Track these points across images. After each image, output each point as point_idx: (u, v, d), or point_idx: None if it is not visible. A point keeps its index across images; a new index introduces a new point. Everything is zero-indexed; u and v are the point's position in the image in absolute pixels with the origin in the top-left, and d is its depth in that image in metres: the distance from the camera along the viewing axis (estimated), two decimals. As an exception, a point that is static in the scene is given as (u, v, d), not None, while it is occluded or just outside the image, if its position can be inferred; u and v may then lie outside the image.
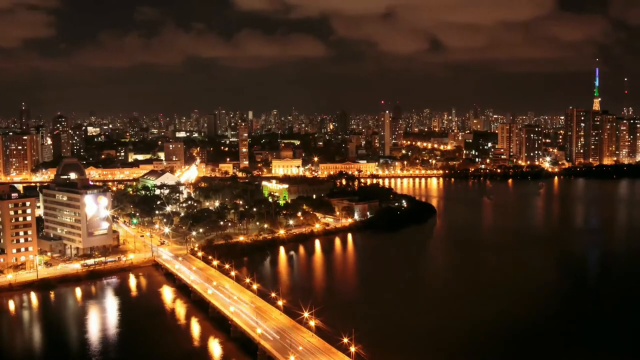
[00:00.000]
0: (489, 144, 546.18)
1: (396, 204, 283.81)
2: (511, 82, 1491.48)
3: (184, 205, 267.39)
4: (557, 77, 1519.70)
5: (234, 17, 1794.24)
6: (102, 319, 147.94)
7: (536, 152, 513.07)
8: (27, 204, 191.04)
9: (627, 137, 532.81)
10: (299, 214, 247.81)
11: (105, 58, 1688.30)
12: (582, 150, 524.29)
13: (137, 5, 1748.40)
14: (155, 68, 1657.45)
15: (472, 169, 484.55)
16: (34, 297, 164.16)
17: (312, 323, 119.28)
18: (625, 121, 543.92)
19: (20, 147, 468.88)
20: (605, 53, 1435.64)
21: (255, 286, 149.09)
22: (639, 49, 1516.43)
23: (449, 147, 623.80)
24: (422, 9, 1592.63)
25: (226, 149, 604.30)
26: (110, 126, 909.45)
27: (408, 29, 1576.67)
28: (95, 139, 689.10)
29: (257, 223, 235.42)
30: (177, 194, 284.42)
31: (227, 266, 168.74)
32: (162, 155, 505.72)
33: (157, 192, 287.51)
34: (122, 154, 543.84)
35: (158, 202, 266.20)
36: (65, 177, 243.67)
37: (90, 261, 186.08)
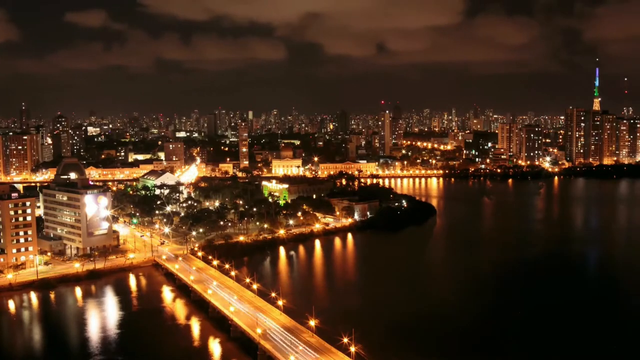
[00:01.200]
0: (489, 144, 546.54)
1: (396, 203, 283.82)
2: (465, 82, 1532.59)
3: (184, 205, 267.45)
4: (516, 78, 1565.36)
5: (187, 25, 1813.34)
6: (102, 319, 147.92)
7: (536, 152, 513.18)
8: (27, 204, 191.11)
9: (627, 137, 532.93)
10: (299, 214, 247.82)
11: (77, 60, 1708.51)
12: (582, 150, 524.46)
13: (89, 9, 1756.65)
14: (126, 70, 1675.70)
15: (472, 169, 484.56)
16: (34, 297, 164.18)
17: (312, 323, 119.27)
18: (625, 121, 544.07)
19: (20, 147, 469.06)
20: (553, 54, 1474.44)
21: (255, 286, 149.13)
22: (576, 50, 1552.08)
23: (449, 147, 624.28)
24: (365, 15, 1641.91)
25: (226, 149, 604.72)
26: (110, 126, 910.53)
27: (352, 34, 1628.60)
28: (95, 139, 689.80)
29: (257, 223, 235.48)
30: (177, 194, 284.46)
31: (227, 266, 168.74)
32: (162, 155, 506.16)
33: (157, 192, 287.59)
34: (122, 154, 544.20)
35: (158, 202, 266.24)
36: (65, 177, 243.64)
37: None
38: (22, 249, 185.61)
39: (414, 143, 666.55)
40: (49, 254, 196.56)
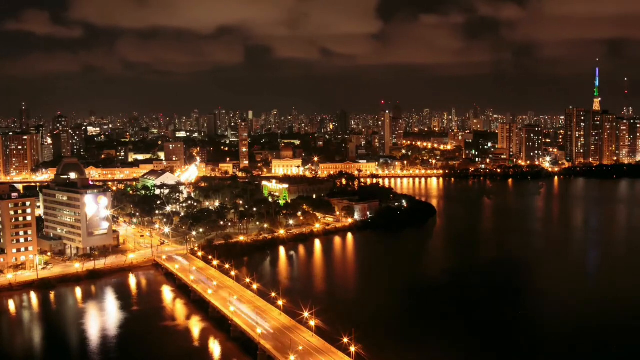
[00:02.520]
0: (489, 144, 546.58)
1: (396, 203, 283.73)
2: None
3: (184, 205, 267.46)
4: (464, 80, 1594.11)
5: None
6: (102, 319, 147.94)
7: (536, 152, 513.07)
8: (27, 203, 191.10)
9: (627, 137, 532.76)
10: (299, 213, 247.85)
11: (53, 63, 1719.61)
12: (582, 150, 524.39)
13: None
14: (100, 72, 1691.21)
15: (472, 169, 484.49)
16: (34, 297, 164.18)
17: (312, 323, 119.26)
18: (625, 121, 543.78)
19: (20, 147, 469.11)
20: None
21: (255, 286, 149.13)
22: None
23: (449, 147, 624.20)
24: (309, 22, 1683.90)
25: (226, 148, 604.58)
26: (110, 126, 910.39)
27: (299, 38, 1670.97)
28: (95, 139, 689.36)
29: (257, 223, 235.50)
30: (177, 194, 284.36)
31: (227, 266, 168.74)
32: (162, 155, 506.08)
33: (157, 192, 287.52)
34: (122, 154, 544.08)
35: (158, 202, 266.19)
36: (65, 177, 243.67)
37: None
38: (22, 249, 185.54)
39: (414, 143, 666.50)
40: (49, 254, 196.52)
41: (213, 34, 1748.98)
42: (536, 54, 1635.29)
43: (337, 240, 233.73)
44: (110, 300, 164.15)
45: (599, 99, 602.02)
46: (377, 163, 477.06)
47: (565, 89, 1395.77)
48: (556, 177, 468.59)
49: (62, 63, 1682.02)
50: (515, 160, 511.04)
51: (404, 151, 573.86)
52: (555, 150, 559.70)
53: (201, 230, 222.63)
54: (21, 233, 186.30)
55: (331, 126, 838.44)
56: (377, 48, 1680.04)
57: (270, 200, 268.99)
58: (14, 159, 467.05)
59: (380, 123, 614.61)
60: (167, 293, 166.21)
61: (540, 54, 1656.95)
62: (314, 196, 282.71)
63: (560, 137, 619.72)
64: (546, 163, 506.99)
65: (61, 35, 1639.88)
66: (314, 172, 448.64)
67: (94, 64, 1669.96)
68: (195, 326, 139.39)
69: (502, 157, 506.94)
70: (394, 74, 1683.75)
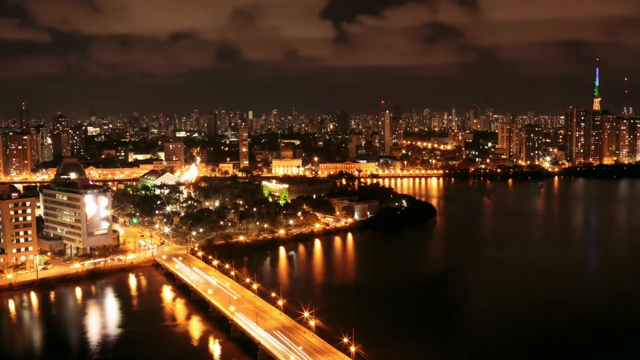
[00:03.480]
0: (489, 144, 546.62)
1: (396, 203, 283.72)
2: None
3: (184, 205, 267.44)
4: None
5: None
6: (102, 319, 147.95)
7: (536, 152, 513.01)
8: (27, 203, 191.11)
9: (627, 137, 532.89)
10: (299, 213, 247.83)
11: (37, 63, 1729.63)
12: (582, 150, 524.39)
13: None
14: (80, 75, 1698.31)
15: (472, 169, 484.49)
16: (34, 297, 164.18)
17: (312, 323, 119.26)
18: (625, 121, 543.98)
19: (20, 147, 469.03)
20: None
21: (255, 286, 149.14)
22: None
23: (449, 147, 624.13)
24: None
25: (226, 148, 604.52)
26: (110, 126, 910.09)
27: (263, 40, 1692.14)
28: (95, 139, 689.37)
29: (257, 223, 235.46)
30: (177, 194, 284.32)
31: (227, 266, 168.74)
32: (162, 155, 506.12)
33: (157, 192, 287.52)
34: (122, 154, 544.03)
35: (158, 202, 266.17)
36: (65, 177, 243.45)
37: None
38: (22, 249, 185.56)
39: (414, 143, 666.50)
40: (49, 254, 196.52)
41: (168, 40, 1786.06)
42: (497, 56, 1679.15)
43: (337, 240, 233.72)
44: (110, 300, 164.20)
45: (599, 99, 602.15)
46: (377, 163, 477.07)
47: (528, 89, 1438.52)
48: (556, 177, 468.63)
49: (40, 65, 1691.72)
50: (515, 160, 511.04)
51: (404, 151, 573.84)
52: (555, 150, 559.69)
53: (201, 230, 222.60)
54: (21, 233, 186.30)
55: (331, 126, 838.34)
56: (341, 51, 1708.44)
57: (270, 200, 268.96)
58: (14, 159, 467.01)
59: (380, 123, 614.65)
60: (167, 293, 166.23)
61: (501, 56, 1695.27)
62: (314, 196, 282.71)
63: (560, 137, 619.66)
64: (546, 163, 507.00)
65: (32, 39, 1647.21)
66: (314, 172, 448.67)
67: (73, 66, 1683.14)
68: (195, 326, 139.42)
69: (502, 157, 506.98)
70: (359, 75, 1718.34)
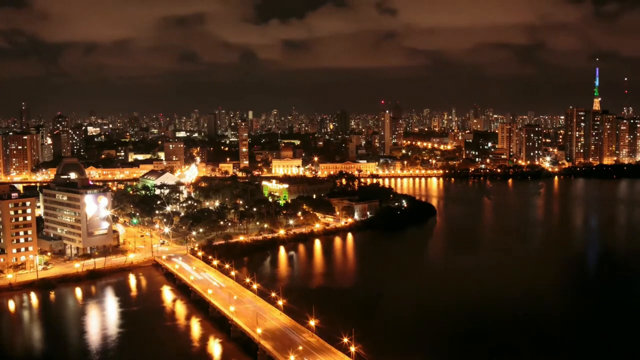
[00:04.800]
0: (489, 144, 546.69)
1: (396, 203, 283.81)
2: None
3: (184, 205, 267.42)
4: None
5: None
6: (102, 319, 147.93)
7: (536, 152, 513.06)
8: (27, 203, 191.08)
9: (627, 137, 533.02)
10: (299, 213, 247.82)
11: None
12: (582, 150, 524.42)
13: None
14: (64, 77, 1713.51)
15: (472, 169, 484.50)
16: (34, 297, 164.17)
17: (312, 323, 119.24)
18: (625, 121, 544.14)
19: (20, 147, 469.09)
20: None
21: (255, 286, 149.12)
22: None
23: (449, 147, 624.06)
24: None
25: (226, 148, 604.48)
26: (110, 126, 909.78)
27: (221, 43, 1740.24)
28: (95, 139, 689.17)
29: (257, 223, 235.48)
30: (177, 194, 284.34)
31: (227, 266, 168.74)
32: (162, 155, 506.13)
33: (157, 192, 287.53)
34: (122, 154, 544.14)
35: (158, 202, 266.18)
36: (65, 177, 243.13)
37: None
38: (22, 249, 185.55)
39: (414, 143, 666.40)
40: (49, 254, 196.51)
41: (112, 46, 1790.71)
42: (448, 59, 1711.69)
43: (337, 240, 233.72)
44: (110, 300, 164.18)
45: (599, 99, 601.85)
46: (377, 163, 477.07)
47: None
48: (556, 177, 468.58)
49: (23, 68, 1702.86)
50: (515, 160, 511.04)
51: (404, 151, 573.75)
52: (555, 150, 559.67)
53: (201, 230, 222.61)
54: (21, 233, 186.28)
55: (331, 126, 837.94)
56: (291, 54, 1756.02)
57: (270, 200, 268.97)
58: (14, 159, 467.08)
59: (380, 123, 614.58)
60: (167, 293, 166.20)
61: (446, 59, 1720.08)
62: (314, 196, 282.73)
63: (560, 137, 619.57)
64: (546, 163, 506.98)
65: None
66: (314, 172, 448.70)
67: (51, 69, 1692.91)
68: (195, 326, 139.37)
69: (502, 157, 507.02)
70: (317, 77, 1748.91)
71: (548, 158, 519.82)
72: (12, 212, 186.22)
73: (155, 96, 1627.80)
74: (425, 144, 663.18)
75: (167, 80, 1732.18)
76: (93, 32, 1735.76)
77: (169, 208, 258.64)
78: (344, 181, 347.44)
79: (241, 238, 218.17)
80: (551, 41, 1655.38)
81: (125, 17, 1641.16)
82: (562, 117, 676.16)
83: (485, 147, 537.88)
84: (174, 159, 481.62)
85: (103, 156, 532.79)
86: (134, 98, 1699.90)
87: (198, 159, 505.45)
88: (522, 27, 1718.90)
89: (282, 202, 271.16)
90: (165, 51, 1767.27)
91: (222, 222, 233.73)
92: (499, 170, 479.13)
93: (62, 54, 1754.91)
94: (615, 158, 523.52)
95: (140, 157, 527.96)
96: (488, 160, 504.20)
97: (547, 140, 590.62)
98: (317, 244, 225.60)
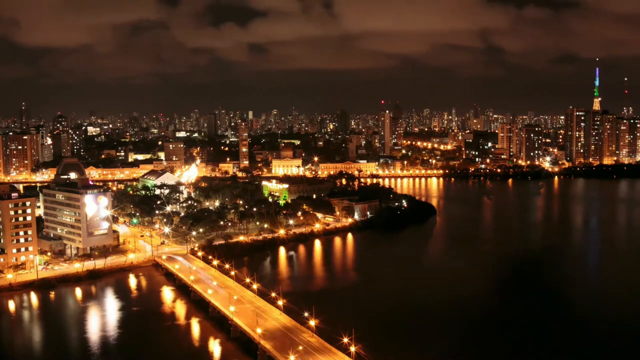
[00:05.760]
0: (489, 144, 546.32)
1: (396, 203, 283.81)
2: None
3: (184, 205, 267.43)
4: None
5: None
6: (102, 319, 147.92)
7: (536, 152, 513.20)
8: (27, 203, 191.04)
9: (627, 137, 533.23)
10: (299, 213, 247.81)
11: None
12: (582, 150, 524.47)
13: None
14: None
15: (472, 169, 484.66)
16: (34, 297, 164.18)
17: (312, 323, 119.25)
18: (625, 121, 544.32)
19: (20, 147, 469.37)
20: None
21: (255, 286, 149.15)
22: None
23: (449, 147, 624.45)
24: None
25: (226, 148, 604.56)
26: (110, 126, 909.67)
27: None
28: (95, 139, 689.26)
29: (257, 223, 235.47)
30: (177, 194, 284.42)
31: (227, 266, 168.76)
32: (162, 155, 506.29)
33: (157, 192, 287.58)
34: (122, 154, 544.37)
35: (158, 202, 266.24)
36: (65, 177, 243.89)
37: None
38: (22, 249, 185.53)
39: (414, 143, 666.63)
40: (49, 254, 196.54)
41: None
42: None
43: (337, 240, 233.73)
44: (110, 300, 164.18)
45: (599, 99, 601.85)
46: (377, 163, 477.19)
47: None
48: (556, 177, 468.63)
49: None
50: (515, 160, 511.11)
51: (404, 151, 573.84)
52: (555, 150, 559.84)
53: (201, 230, 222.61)
54: (21, 233, 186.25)
55: (331, 126, 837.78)
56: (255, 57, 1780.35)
57: (270, 200, 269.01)
58: (14, 159, 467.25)
59: (380, 123, 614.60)
60: (167, 293, 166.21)
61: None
62: (314, 196, 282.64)
63: (560, 137, 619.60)
64: (546, 163, 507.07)
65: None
66: (314, 172, 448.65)
67: (36, 72, 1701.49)
68: (195, 326, 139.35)
69: (502, 157, 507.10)
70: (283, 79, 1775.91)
71: (548, 158, 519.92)
72: (12, 212, 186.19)
73: (145, 96, 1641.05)
74: (425, 144, 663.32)
75: (148, 81, 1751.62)
76: (57, 38, 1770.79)
77: (169, 208, 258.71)
78: (344, 181, 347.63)
79: (241, 238, 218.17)
80: (505, 44, 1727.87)
81: (79, 24, 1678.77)
82: (562, 117, 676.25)
83: (485, 147, 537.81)
84: (174, 159, 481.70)
85: (103, 156, 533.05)
86: (133, 98, 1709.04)
87: (198, 159, 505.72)
88: (474, 32, 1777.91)
89: (282, 202, 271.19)
90: (131, 55, 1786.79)
91: (222, 222, 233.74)
92: (499, 170, 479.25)
93: (40, 57, 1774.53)
94: (615, 158, 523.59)
95: (140, 157, 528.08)
96: (488, 160, 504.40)
97: (547, 140, 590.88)
98: (317, 244, 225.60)
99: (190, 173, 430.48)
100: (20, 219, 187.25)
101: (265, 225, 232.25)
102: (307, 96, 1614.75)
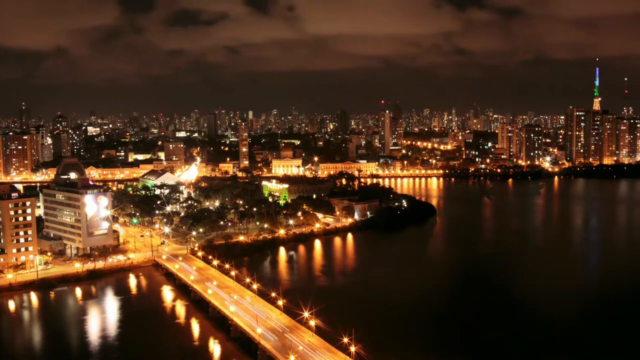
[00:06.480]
0: (489, 144, 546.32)
1: (396, 203, 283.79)
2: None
3: (184, 205, 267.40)
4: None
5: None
6: (102, 319, 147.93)
7: (536, 152, 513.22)
8: (27, 203, 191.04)
9: (627, 136, 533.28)
10: (299, 213, 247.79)
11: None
12: (582, 150, 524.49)
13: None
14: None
15: (472, 169, 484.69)
16: (34, 297, 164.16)
17: (312, 323, 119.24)
18: (625, 121, 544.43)
19: (20, 147, 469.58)
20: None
21: (255, 286, 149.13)
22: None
23: (449, 147, 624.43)
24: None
25: (226, 148, 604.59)
26: (110, 126, 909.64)
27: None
28: (95, 139, 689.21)
29: (257, 223, 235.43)
30: (177, 194, 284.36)
31: (227, 266, 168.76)
32: (162, 155, 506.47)
33: (157, 192, 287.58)
34: (122, 153, 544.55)
35: (158, 202, 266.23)
36: (65, 177, 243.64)
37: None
38: (22, 249, 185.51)
39: (414, 143, 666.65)
40: (49, 254, 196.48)
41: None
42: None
43: (337, 240, 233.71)
44: (110, 300, 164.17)
45: (599, 99, 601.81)
46: (377, 163, 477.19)
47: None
48: (556, 177, 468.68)
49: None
50: (515, 160, 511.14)
51: (404, 151, 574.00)
52: (555, 150, 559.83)
53: (201, 230, 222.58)
54: (21, 233, 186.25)
55: (331, 126, 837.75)
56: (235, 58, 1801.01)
57: (270, 200, 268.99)
58: (14, 159, 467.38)
59: (380, 123, 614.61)
60: (167, 293, 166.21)
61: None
62: (314, 196, 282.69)
63: (560, 137, 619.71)
64: (546, 163, 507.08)
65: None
66: (314, 172, 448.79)
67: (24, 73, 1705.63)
68: (195, 326, 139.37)
69: (502, 157, 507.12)
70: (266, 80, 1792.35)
71: (548, 158, 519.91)
72: (12, 212, 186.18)
73: (137, 97, 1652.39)
74: (425, 144, 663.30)
75: (137, 83, 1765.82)
76: (31, 41, 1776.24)
77: (169, 208, 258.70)
78: (344, 181, 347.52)
79: (241, 238, 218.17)
80: (467, 46, 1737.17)
81: (47, 28, 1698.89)
82: (562, 117, 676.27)
83: (485, 147, 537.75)
84: (174, 159, 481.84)
85: (103, 156, 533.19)
86: (125, 98, 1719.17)
87: (198, 159, 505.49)
88: (436, 35, 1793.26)
89: (282, 202, 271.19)
90: (109, 57, 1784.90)
91: (222, 222, 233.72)
92: (499, 170, 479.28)
93: (24, 60, 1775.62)
94: (615, 158, 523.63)
95: (140, 157, 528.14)
96: (488, 160, 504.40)
97: (547, 140, 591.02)
98: (317, 244, 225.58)
99: (190, 173, 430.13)
100: (20, 219, 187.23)
101: (265, 225, 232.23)
102: (283, 98, 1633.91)
